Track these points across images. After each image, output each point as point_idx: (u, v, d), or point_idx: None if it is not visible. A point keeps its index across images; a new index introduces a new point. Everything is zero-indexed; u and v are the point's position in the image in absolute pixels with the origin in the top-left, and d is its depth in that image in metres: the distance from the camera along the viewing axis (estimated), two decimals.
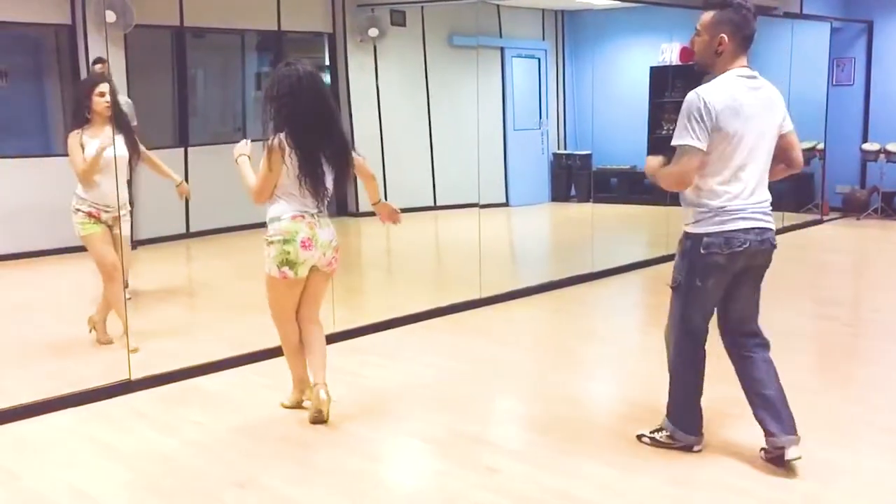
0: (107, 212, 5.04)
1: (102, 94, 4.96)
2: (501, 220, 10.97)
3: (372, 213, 4.33)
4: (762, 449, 3.39)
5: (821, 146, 10.47)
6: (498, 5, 11.40)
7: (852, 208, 10.60)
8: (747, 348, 3.43)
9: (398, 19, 10.87)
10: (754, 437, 3.45)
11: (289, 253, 3.77)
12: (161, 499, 3.26)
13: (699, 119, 3.15)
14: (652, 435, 3.58)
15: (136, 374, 4.48)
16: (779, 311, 6.03)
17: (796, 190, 10.72)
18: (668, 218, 8.78)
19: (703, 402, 3.51)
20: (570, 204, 11.91)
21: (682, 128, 3.18)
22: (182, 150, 9.08)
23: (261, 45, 10.79)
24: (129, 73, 8.25)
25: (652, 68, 11.37)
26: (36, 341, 5.42)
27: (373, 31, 10.46)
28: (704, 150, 3.16)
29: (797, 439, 3.29)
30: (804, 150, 12.00)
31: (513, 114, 11.82)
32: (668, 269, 7.89)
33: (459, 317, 5.92)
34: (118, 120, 5.05)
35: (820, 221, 10.27)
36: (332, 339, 5.18)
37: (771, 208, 3.35)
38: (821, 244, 9.09)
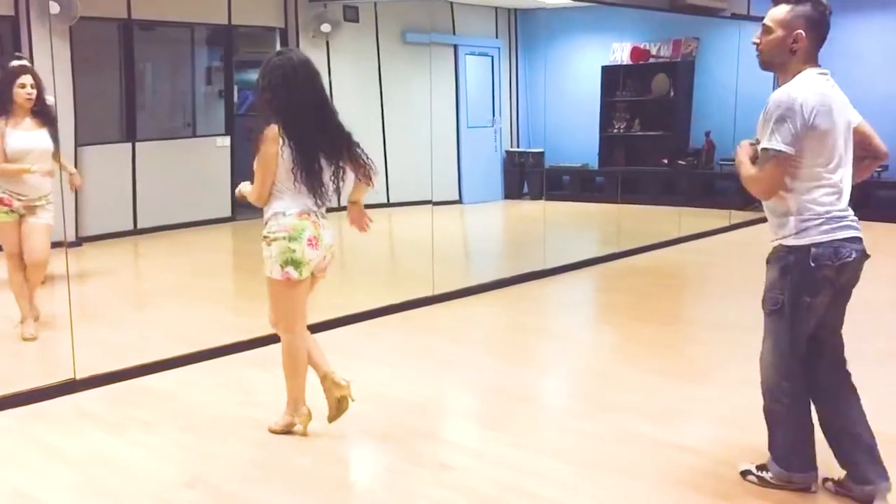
0: (19, 200, 5.07)
1: (23, 86, 5.01)
2: (454, 217, 10.99)
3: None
4: (838, 484, 3.13)
5: None
6: (451, 3, 11.40)
7: None
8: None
9: (351, 15, 10.81)
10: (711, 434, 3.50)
11: (294, 251, 3.46)
12: (108, 501, 3.19)
13: (792, 120, 2.88)
14: (759, 474, 3.22)
15: (82, 373, 4.38)
16: (731, 307, 6.13)
17: (744, 187, 10.90)
18: (619, 215, 8.92)
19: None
20: (523, 201, 11.97)
21: (771, 131, 2.90)
22: (129, 145, 8.91)
23: (211, 39, 10.63)
24: (75, 67, 8.07)
25: (604, 67, 11.48)
26: None
27: (325, 27, 10.38)
28: (793, 154, 2.90)
29: (890, 486, 3.03)
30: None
31: (466, 111, 11.84)
32: (619, 265, 8.04)
33: (412, 314, 5.91)
34: (43, 113, 5.11)
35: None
36: None
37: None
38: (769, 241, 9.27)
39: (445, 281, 6.39)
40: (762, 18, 3.11)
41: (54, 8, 7.33)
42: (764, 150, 2.93)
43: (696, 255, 8.24)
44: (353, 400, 3.73)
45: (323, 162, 3.55)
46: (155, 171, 9.01)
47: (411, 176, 10.05)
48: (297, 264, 3.47)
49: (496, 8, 12.18)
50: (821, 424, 3.13)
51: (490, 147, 12.13)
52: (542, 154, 11.64)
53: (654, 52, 11.35)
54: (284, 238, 3.47)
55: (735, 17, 10.14)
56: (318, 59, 11.39)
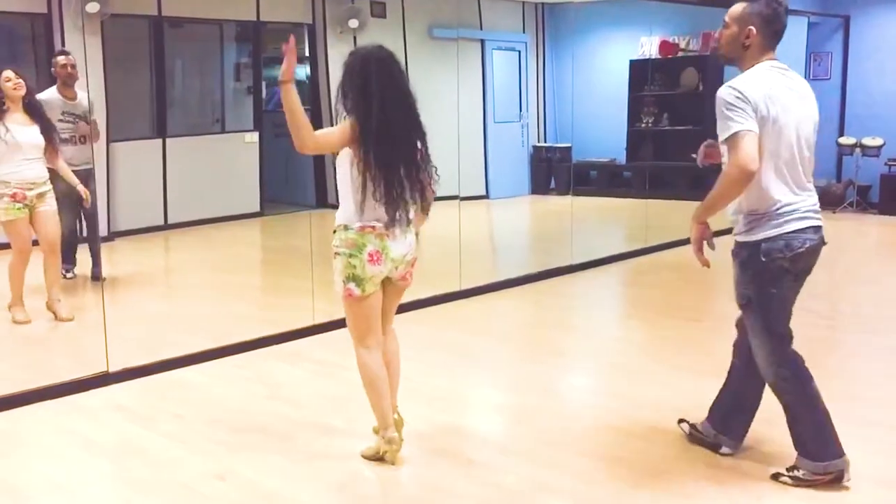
0: (31, 189, 5.29)
1: (8, 80, 5.31)
2: (481, 212, 10.98)
3: None
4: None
5: None
6: None
7: (828, 202, 10.68)
8: None
9: (378, 11, 10.83)
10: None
11: (355, 267, 3.28)
12: (139, 492, 3.24)
13: (738, 106, 2.96)
14: (792, 474, 3.17)
15: (115, 367, 4.45)
16: None
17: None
18: (647, 211, 8.85)
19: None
20: (550, 197, 11.93)
21: (725, 119, 2.97)
22: (160, 140, 9.01)
23: (240, 35, 10.71)
24: (106, 63, 8.16)
25: (631, 61, 11.40)
26: (9, 333, 5.36)
27: (353, 23, 10.40)
28: (757, 131, 2.95)
29: None
30: None
31: (493, 106, 11.81)
32: (646, 261, 7.99)
33: (439, 309, 5.93)
34: (32, 109, 5.41)
35: None
36: (312, 331, 5.19)
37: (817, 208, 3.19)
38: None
39: (472, 276, 6.39)
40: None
41: (93, 7, 7.42)
42: (729, 137, 2.97)
43: (725, 251, 8.15)
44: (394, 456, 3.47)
45: (403, 177, 3.34)
46: (185, 167, 9.09)
47: (438, 171, 10.05)
48: (358, 280, 3.30)
49: (523, 2, 12.14)
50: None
51: (517, 142, 12.10)
52: (569, 149, 11.59)
53: (682, 45, 11.24)
54: (346, 254, 3.30)
55: None
56: (346, 55, 11.40)
